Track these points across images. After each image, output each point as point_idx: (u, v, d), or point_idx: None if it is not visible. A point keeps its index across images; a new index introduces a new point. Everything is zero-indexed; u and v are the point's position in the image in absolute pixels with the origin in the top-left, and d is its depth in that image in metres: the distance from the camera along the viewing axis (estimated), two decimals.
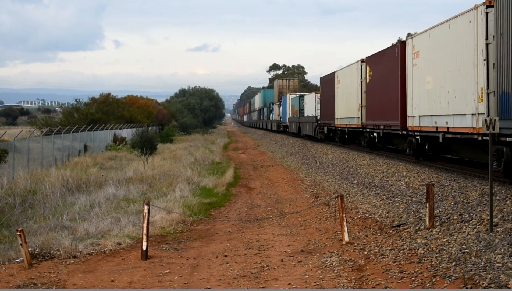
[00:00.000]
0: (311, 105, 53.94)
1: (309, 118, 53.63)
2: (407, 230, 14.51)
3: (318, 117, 49.54)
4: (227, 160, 40.34)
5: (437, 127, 22.84)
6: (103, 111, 55.41)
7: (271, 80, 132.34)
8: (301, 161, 36.03)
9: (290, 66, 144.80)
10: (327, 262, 12.61)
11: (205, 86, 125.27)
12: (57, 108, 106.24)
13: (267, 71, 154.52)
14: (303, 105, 58.99)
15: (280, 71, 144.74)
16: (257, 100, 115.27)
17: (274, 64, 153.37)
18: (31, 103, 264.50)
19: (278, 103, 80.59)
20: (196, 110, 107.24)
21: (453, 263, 11.07)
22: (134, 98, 76.52)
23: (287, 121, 69.89)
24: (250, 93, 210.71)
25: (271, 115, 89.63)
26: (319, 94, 50.16)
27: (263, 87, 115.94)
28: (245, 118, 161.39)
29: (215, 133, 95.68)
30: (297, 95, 65.19)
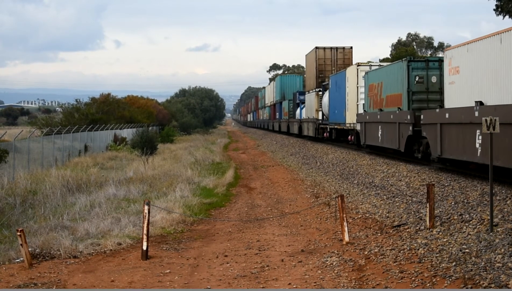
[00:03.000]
0: None
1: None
2: (407, 230, 14.51)
3: None
4: (228, 160, 40.34)
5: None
6: (104, 111, 55.42)
7: (271, 80, 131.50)
8: (301, 161, 36.02)
9: (291, 66, 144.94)
10: (327, 262, 12.61)
11: (205, 86, 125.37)
12: (57, 108, 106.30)
13: (267, 71, 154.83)
14: (435, 79, 26.47)
15: (280, 71, 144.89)
16: (269, 93, 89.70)
17: (274, 64, 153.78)
18: (31, 103, 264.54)
19: (318, 90, 50.07)
20: (196, 110, 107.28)
21: (453, 263, 11.07)
22: (134, 98, 76.57)
23: (348, 121, 37.89)
24: (250, 93, 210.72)
25: (298, 111, 61.46)
26: None
27: (263, 87, 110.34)
28: (250, 117, 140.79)
29: (215, 133, 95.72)
30: (404, 60, 27.03)
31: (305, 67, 59.91)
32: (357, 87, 36.00)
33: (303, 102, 58.97)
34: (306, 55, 58.25)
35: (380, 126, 30.29)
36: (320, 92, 49.26)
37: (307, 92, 56.51)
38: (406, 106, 26.71)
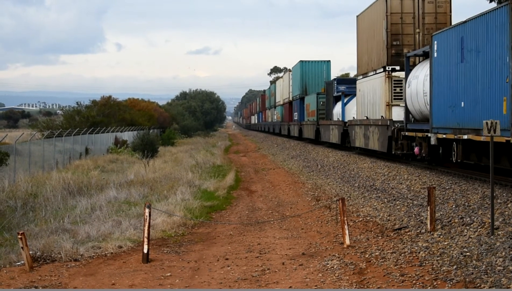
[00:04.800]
0: None
1: None
2: (408, 233, 14.50)
3: None
4: (228, 162, 40.33)
5: None
6: (104, 114, 55.45)
7: (272, 82, 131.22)
8: (302, 164, 36.01)
9: (291, 68, 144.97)
10: (328, 265, 12.60)
11: (206, 89, 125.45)
12: (58, 111, 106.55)
13: (268, 74, 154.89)
14: None
15: (281, 74, 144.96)
16: (282, 88, 73.33)
17: (275, 67, 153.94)
18: (32, 106, 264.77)
19: (389, 69, 30.45)
20: (197, 113, 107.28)
21: (454, 266, 11.07)
22: (135, 101, 76.62)
23: None
24: (251, 96, 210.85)
25: (338, 109, 43.98)
26: None
27: (264, 91, 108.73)
28: (254, 119, 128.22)
29: (216, 136, 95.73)
30: None
31: (356, 34, 37.63)
32: None
33: (347, 94, 41.89)
34: (357, 16, 37.16)
35: None
36: (396, 73, 30.54)
37: (361, 77, 36.45)
38: None
